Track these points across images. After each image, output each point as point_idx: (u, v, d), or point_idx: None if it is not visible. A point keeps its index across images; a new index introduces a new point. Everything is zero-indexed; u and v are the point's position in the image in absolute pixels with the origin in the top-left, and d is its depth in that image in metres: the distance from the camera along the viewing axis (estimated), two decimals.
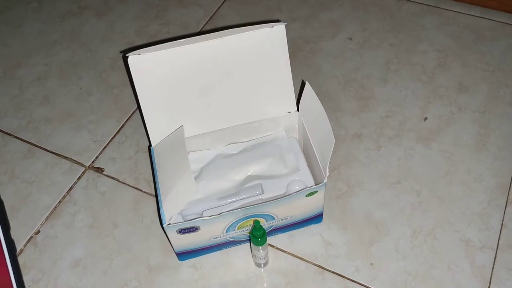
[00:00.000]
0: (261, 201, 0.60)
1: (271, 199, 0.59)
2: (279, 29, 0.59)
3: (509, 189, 0.65)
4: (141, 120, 0.75)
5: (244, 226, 0.57)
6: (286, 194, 0.60)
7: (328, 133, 0.54)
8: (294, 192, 0.55)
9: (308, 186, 0.60)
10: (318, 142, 0.58)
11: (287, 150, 0.64)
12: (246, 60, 0.60)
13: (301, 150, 0.66)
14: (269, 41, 0.59)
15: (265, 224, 0.58)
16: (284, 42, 0.59)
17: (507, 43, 0.82)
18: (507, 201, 0.64)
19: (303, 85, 0.61)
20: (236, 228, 0.57)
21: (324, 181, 0.55)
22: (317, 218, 0.62)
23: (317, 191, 0.56)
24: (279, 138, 0.66)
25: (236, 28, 0.58)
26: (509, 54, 0.80)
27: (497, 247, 0.60)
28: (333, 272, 0.59)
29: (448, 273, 0.59)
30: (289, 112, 0.64)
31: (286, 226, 0.61)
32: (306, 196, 0.56)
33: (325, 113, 0.56)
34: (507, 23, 0.85)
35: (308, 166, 0.63)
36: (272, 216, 0.57)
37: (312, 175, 0.62)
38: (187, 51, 0.58)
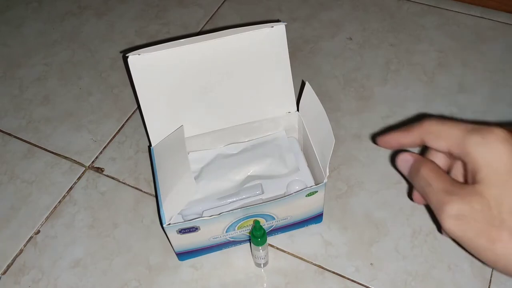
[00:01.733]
0: (261, 201, 0.60)
1: (271, 199, 0.59)
2: (279, 29, 0.59)
3: None
4: (141, 120, 0.75)
5: (244, 226, 0.57)
6: (286, 194, 0.60)
7: (328, 133, 0.54)
8: (294, 192, 0.55)
9: (308, 186, 0.60)
10: (318, 142, 0.58)
11: (287, 150, 0.64)
12: (246, 60, 0.60)
13: (301, 150, 0.66)
14: (269, 41, 0.59)
15: (265, 224, 0.58)
16: (284, 42, 0.59)
17: (507, 43, 0.82)
18: None
19: (303, 85, 0.61)
20: (236, 228, 0.57)
21: (324, 181, 0.55)
22: (317, 218, 0.62)
23: (317, 191, 0.56)
24: (279, 138, 0.66)
25: (236, 28, 0.58)
26: (509, 54, 0.80)
27: None
28: (333, 272, 0.59)
29: (448, 273, 0.59)
30: (289, 112, 0.64)
31: (286, 226, 0.61)
32: (306, 196, 0.56)
33: (325, 113, 0.56)
34: (507, 23, 0.85)
35: (308, 166, 0.63)
36: (272, 216, 0.57)
37: (312, 175, 0.62)
38: (187, 51, 0.58)
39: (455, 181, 0.39)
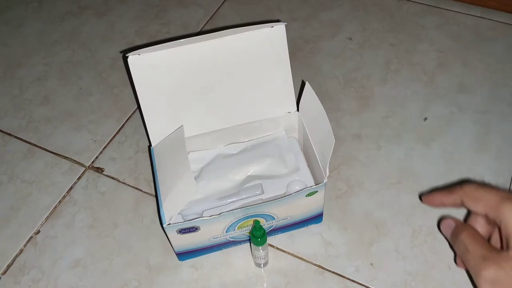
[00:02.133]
0: (261, 201, 0.60)
1: (271, 199, 0.59)
2: (279, 29, 0.59)
3: (509, 189, 0.65)
4: (141, 120, 0.75)
5: (244, 226, 0.57)
6: (286, 194, 0.60)
7: (328, 133, 0.54)
8: (294, 192, 0.55)
9: (308, 186, 0.60)
10: (318, 142, 0.58)
11: (287, 150, 0.64)
12: (246, 60, 0.60)
13: (301, 150, 0.66)
14: (269, 41, 0.59)
15: (265, 224, 0.58)
16: (284, 42, 0.59)
17: (507, 43, 0.82)
18: None
19: (303, 85, 0.61)
20: (236, 228, 0.57)
21: (324, 181, 0.55)
22: (317, 218, 0.62)
23: (317, 191, 0.56)
24: (279, 138, 0.66)
25: (236, 28, 0.58)
26: (509, 54, 0.80)
27: None
28: (333, 272, 0.59)
29: (448, 273, 0.59)
30: (289, 112, 0.64)
31: (286, 226, 0.61)
32: (306, 196, 0.56)
33: (325, 113, 0.56)
34: (507, 23, 0.85)
35: (308, 166, 0.63)
36: (272, 216, 0.57)
37: (312, 175, 0.62)
38: (187, 51, 0.58)
39: (491, 247, 0.42)
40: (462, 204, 0.48)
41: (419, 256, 0.60)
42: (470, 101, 0.75)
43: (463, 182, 0.49)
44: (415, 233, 0.62)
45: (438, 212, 0.64)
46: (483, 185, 0.46)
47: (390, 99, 0.76)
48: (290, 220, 0.60)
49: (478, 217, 0.47)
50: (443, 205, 0.50)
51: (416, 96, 0.76)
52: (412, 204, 0.65)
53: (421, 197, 0.55)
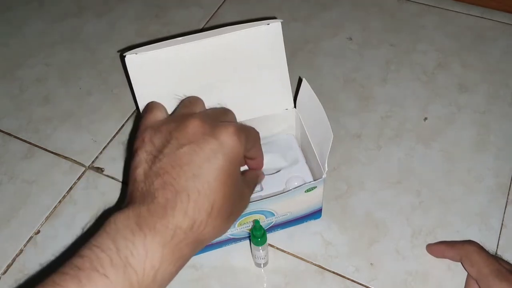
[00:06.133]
0: (261, 198, 0.60)
1: (271, 195, 0.59)
2: (275, 26, 0.58)
3: (509, 189, 0.65)
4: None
5: (245, 223, 0.57)
6: (285, 190, 0.60)
7: (326, 129, 0.54)
8: (293, 188, 0.55)
9: (307, 182, 0.60)
10: (316, 138, 0.58)
11: (286, 147, 0.64)
12: (242, 58, 0.60)
13: (299, 146, 0.66)
14: (265, 39, 0.59)
15: (265, 221, 0.58)
16: (280, 39, 0.59)
17: (507, 43, 0.82)
18: (507, 201, 0.64)
19: (300, 83, 0.61)
20: (236, 225, 0.57)
21: (323, 176, 0.55)
22: (316, 213, 0.62)
23: (316, 187, 0.56)
24: (277, 135, 0.66)
25: (232, 26, 0.57)
26: (509, 54, 0.80)
27: (497, 247, 0.60)
28: (333, 272, 0.59)
29: (448, 273, 0.58)
30: (287, 109, 0.64)
31: (286, 222, 0.61)
32: (305, 191, 0.56)
33: (322, 109, 0.56)
34: (507, 23, 0.85)
35: (307, 162, 0.63)
36: (272, 213, 0.57)
37: (311, 171, 0.62)
38: (184, 50, 0.58)
39: None
40: (459, 261, 0.54)
41: (419, 256, 0.60)
42: (470, 101, 0.75)
43: (467, 242, 0.55)
44: (415, 233, 0.62)
45: (438, 213, 0.64)
46: (483, 250, 0.52)
47: (390, 99, 0.76)
48: (289, 216, 0.60)
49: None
50: (443, 256, 0.57)
51: (416, 96, 0.76)
52: (412, 204, 0.64)
53: (426, 246, 0.60)
